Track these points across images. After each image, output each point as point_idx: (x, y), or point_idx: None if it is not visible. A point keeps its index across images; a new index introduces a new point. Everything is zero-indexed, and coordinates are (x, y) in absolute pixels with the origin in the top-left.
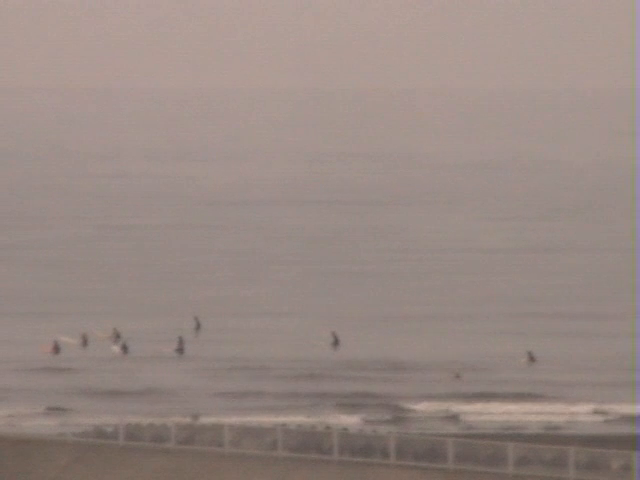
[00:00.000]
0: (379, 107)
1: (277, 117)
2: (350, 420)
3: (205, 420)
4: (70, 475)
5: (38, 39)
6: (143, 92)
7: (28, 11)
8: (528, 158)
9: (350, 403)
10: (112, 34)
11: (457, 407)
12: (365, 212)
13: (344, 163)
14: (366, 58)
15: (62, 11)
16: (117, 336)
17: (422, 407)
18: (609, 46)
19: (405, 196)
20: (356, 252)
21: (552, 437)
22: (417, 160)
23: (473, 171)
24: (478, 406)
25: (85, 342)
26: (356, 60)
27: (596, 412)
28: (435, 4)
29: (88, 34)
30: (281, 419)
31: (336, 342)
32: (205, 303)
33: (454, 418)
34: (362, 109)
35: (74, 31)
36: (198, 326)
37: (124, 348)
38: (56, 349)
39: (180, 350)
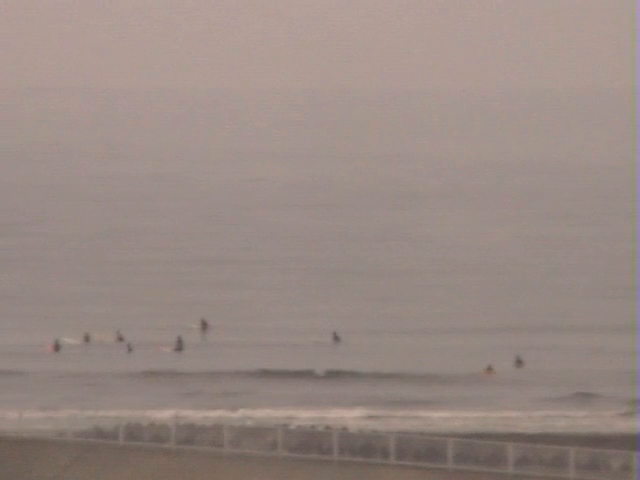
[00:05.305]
0: (380, 107)
1: (277, 117)
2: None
3: (205, 420)
4: (70, 475)
5: (38, 39)
6: (143, 92)
7: (28, 11)
8: (527, 159)
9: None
10: (112, 34)
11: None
12: (366, 213)
13: (345, 164)
14: (366, 58)
15: (62, 11)
16: (120, 339)
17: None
18: (609, 46)
19: (407, 197)
20: (357, 253)
21: (552, 437)
22: (418, 161)
23: (474, 172)
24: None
25: (87, 342)
26: (356, 60)
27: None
28: (435, 4)
29: (88, 34)
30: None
31: (336, 340)
32: (208, 305)
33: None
34: (363, 109)
35: (74, 31)
36: (204, 327)
37: (128, 348)
38: (56, 348)
39: (179, 349)
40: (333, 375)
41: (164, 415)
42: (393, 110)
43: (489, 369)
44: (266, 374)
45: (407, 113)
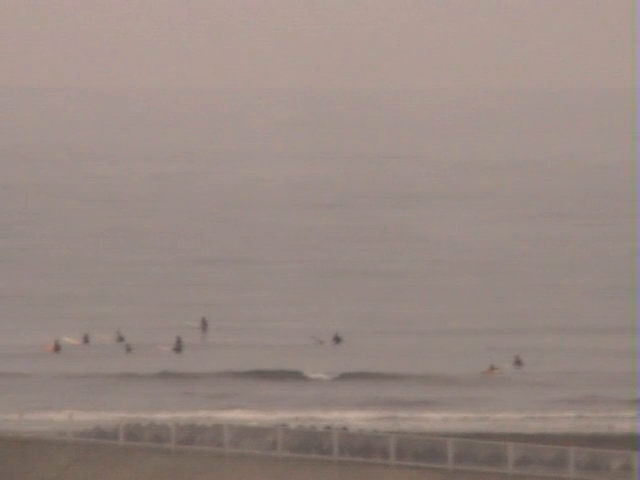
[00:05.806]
0: (380, 107)
1: (277, 117)
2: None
3: (205, 420)
4: (70, 475)
5: (39, 39)
6: (143, 92)
7: (29, 11)
8: (528, 159)
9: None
10: (112, 34)
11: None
12: (366, 213)
13: (345, 164)
14: (367, 58)
15: (63, 11)
16: (120, 339)
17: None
18: (609, 46)
19: (407, 197)
20: (357, 253)
21: (552, 437)
22: (418, 161)
23: (474, 172)
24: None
25: (86, 342)
26: (356, 60)
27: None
28: (435, 4)
29: (89, 34)
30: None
31: (338, 340)
32: (208, 305)
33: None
34: (363, 109)
35: (75, 31)
36: (204, 326)
37: (127, 348)
38: (56, 348)
39: (178, 349)
40: (334, 376)
41: (164, 415)
42: (393, 110)
43: (492, 368)
44: (266, 375)
45: (407, 113)
